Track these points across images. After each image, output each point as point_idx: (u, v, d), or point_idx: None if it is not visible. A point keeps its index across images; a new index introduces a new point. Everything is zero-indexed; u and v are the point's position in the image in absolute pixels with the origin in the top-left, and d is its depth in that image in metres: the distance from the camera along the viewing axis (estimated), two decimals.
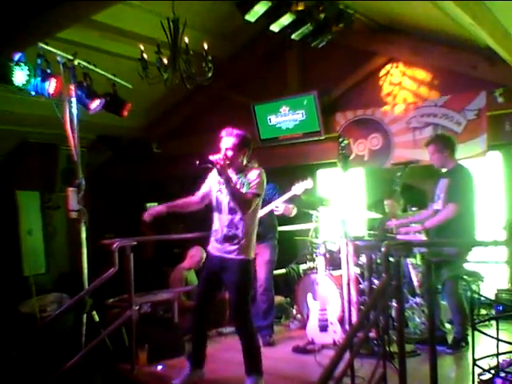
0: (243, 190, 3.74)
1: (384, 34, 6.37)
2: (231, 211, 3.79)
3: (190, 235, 7.75)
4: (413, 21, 5.80)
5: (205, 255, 6.40)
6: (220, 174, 3.66)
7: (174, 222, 8.56)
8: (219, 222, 3.87)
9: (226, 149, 3.75)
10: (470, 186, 4.45)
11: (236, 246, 3.78)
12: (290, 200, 5.20)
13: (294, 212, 5.29)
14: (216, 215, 3.92)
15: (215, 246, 3.91)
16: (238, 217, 3.77)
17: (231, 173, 3.76)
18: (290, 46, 6.91)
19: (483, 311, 5.33)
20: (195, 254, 6.18)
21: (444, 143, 4.59)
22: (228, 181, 3.65)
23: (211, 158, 3.66)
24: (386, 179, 5.98)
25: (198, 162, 3.68)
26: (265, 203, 5.17)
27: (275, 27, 5.28)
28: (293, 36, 5.42)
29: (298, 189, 5.12)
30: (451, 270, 4.37)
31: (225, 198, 3.82)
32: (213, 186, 3.96)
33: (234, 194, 3.68)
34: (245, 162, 3.86)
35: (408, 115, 6.20)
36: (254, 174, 3.76)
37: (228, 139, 3.78)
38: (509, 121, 5.66)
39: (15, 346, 4.65)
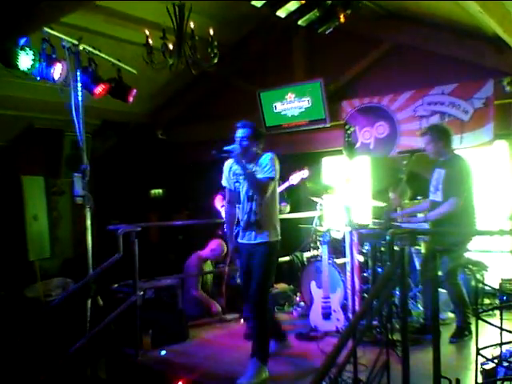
0: (258, 176, 3.85)
1: (392, 21, 6.30)
2: (250, 199, 3.92)
3: (194, 222, 7.78)
4: (421, 8, 5.74)
5: (225, 249, 6.40)
6: (237, 162, 3.81)
7: (177, 211, 8.60)
8: (241, 211, 4.01)
9: (242, 138, 3.87)
10: (469, 177, 4.43)
11: (259, 231, 3.90)
12: (287, 191, 5.23)
13: (287, 210, 5.32)
14: (237, 206, 4.06)
15: (242, 234, 4.04)
16: (256, 203, 3.90)
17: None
18: (295, 32, 6.83)
19: (487, 301, 5.32)
20: (217, 248, 6.08)
21: (438, 133, 4.55)
22: (245, 168, 3.79)
23: (227, 147, 3.78)
24: (392, 168, 5.96)
25: (214, 152, 3.81)
26: None
27: (281, 13, 5.21)
28: (299, 22, 5.34)
29: (294, 179, 5.14)
30: (452, 259, 4.36)
31: (242, 188, 3.95)
32: (229, 179, 4.08)
33: (252, 180, 3.81)
34: (258, 152, 3.97)
35: (415, 103, 6.15)
36: (266, 159, 3.88)
37: (243, 130, 3.91)
38: None
39: (20, 330, 4.69)
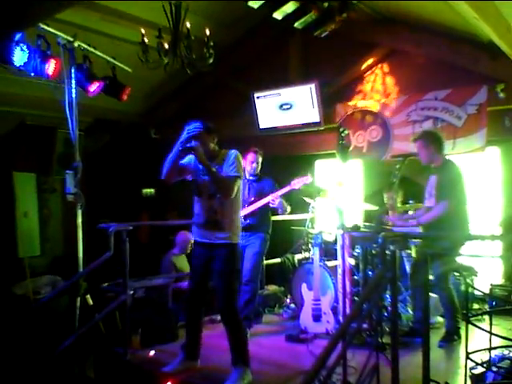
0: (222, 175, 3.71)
1: (387, 26, 6.34)
2: (210, 197, 3.77)
3: (185, 222, 7.75)
4: (417, 13, 5.76)
5: (192, 239, 6.47)
6: (200, 161, 3.67)
7: (170, 210, 8.57)
8: (200, 207, 3.84)
9: (194, 137, 3.72)
10: (459, 181, 4.43)
11: (220, 232, 3.75)
12: (285, 195, 5.21)
13: (288, 209, 5.29)
14: (196, 199, 3.89)
15: (199, 232, 3.88)
16: (217, 202, 3.75)
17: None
18: (292, 33, 6.83)
19: (476, 306, 5.35)
20: (181, 239, 6.23)
21: (430, 139, 4.55)
22: (208, 167, 3.64)
23: (188, 146, 3.67)
24: (384, 171, 5.98)
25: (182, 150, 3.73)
26: (262, 197, 5.16)
27: (278, 15, 5.24)
28: (296, 24, 5.37)
29: (296, 184, 5.12)
30: (443, 263, 4.37)
31: (207, 183, 3.78)
32: (195, 166, 3.89)
33: (216, 179, 3.66)
34: (216, 148, 3.85)
35: (408, 108, 6.18)
36: (231, 157, 3.74)
37: (192, 126, 3.78)
38: (509, 117, 5.65)
39: (8, 327, 4.65)
